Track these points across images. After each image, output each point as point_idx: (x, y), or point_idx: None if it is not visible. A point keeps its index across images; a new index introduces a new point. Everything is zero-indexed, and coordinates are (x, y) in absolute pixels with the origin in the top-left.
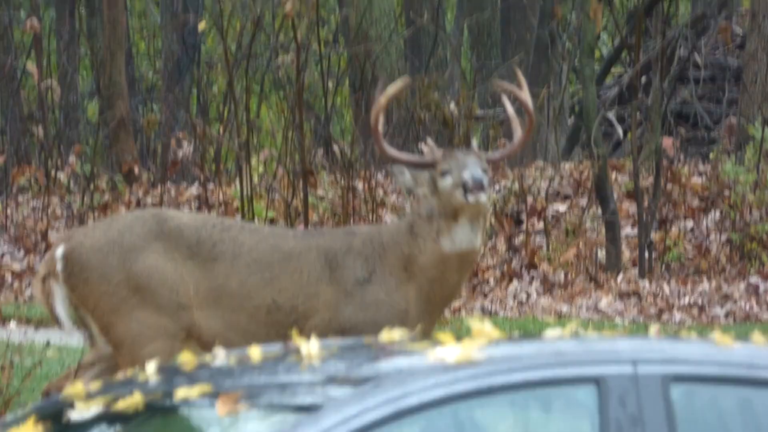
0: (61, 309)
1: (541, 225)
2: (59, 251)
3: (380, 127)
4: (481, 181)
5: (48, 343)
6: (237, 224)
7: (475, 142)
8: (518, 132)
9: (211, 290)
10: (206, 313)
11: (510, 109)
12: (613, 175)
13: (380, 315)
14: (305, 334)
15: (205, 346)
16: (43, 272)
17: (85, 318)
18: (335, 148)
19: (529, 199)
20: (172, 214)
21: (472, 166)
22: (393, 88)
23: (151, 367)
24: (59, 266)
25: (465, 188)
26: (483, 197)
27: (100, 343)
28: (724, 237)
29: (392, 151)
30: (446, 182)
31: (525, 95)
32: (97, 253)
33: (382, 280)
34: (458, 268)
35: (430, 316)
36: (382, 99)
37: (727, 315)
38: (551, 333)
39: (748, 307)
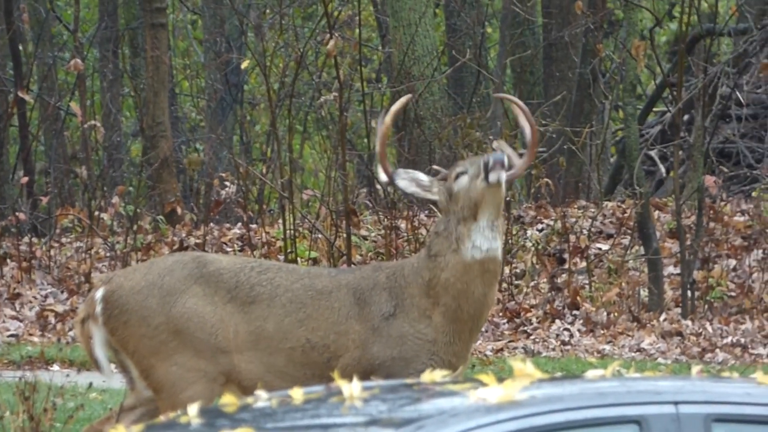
0: (100, 351)
1: (583, 264)
2: (99, 293)
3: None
4: (502, 159)
5: (90, 386)
6: (275, 266)
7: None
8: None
9: (250, 333)
10: (245, 357)
11: (524, 123)
12: (656, 214)
13: (407, 349)
14: (337, 373)
15: (245, 390)
16: (82, 314)
17: (125, 361)
18: (378, 187)
19: (572, 238)
20: (212, 257)
21: (492, 154)
22: (396, 106)
23: (193, 409)
24: (98, 308)
25: (486, 169)
26: (503, 175)
27: (140, 387)
28: (767, 276)
29: (401, 183)
30: (462, 181)
31: (526, 114)
32: (136, 295)
33: (405, 312)
34: (481, 277)
35: (461, 339)
36: (387, 118)
37: None
38: (593, 373)
39: None
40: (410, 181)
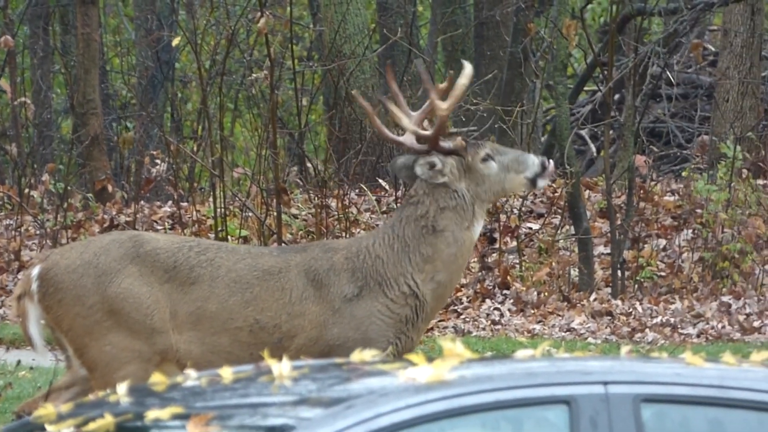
0: (35, 329)
1: (514, 244)
2: (35, 271)
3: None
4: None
5: (18, 364)
6: (214, 246)
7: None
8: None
9: (190, 314)
10: (185, 337)
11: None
12: (586, 194)
13: (374, 329)
14: (291, 353)
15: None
16: (18, 291)
17: (61, 340)
18: (309, 165)
19: (502, 218)
20: (150, 237)
21: (531, 155)
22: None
23: (122, 388)
24: (34, 286)
25: (543, 171)
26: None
27: (76, 365)
28: (696, 256)
29: (419, 170)
30: (492, 166)
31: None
32: (71, 274)
33: (377, 292)
34: (469, 255)
35: (430, 317)
36: (424, 78)
37: (699, 334)
38: (523, 353)
39: (720, 327)
40: (425, 166)
